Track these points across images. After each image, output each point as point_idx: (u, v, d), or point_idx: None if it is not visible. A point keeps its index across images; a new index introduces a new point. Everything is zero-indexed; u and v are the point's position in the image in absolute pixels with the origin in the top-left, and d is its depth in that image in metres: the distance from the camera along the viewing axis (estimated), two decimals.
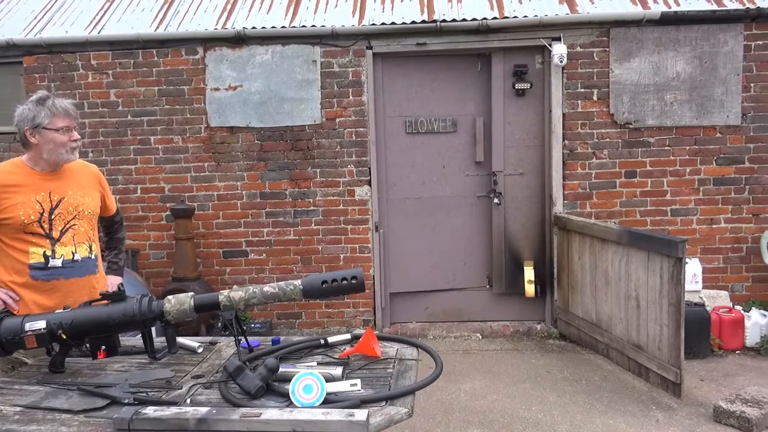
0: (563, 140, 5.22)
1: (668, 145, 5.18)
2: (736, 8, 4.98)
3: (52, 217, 2.51)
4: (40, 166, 2.51)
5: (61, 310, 2.15)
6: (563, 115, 5.20)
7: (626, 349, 4.42)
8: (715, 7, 5.02)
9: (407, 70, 5.36)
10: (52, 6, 5.77)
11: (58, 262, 2.50)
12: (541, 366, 4.63)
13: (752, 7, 4.97)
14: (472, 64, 5.36)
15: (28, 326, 2.07)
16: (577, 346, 5.00)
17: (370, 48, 5.24)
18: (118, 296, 2.16)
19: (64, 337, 2.10)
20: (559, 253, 5.24)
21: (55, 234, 2.51)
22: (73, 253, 2.54)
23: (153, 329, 2.25)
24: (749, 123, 5.10)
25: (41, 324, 2.07)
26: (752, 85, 5.07)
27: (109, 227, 2.90)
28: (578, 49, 5.14)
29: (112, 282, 2.72)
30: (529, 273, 5.35)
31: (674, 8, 5.04)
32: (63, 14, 5.65)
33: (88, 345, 2.17)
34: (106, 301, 2.17)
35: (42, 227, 2.48)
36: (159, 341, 2.29)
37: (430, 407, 3.88)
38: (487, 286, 5.55)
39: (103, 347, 2.16)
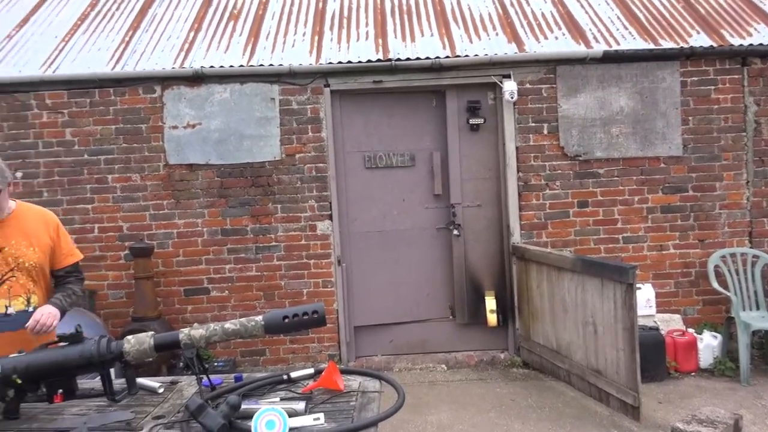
0: (518, 172, 5.39)
1: (617, 176, 5.41)
2: (671, 47, 5.30)
3: None
4: None
5: (16, 354, 2.11)
6: (516, 148, 5.38)
7: (586, 375, 4.52)
8: (652, 45, 5.34)
9: (365, 106, 5.49)
10: (4, 45, 5.71)
11: None
12: (505, 395, 4.68)
13: (686, 46, 5.30)
14: (428, 101, 5.52)
15: None
16: (540, 374, 5.08)
17: (328, 86, 5.35)
18: (75, 338, 2.14)
19: (19, 381, 2.05)
20: (518, 282, 5.36)
21: None
22: (6, 307, 2.45)
23: (112, 371, 2.22)
24: (690, 153, 5.39)
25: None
26: (690, 118, 5.38)
27: (62, 278, 2.68)
28: (527, 85, 5.36)
29: (42, 308, 2.46)
30: (490, 302, 5.44)
31: (615, 47, 5.33)
32: (16, 53, 5.60)
33: (44, 389, 2.12)
34: (62, 344, 2.14)
35: None
36: (119, 383, 2.26)
37: None
38: (451, 317, 5.61)
39: (60, 391, 2.12)
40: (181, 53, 5.51)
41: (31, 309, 2.50)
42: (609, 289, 4.23)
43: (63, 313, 2.51)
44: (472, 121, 5.42)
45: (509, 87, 5.18)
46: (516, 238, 5.39)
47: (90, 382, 2.40)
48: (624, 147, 5.37)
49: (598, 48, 5.32)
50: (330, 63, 5.29)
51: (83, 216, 5.34)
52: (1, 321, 2.43)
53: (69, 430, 1.95)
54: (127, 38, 5.75)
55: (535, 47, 5.39)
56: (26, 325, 2.33)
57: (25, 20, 6.10)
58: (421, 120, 5.52)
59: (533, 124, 5.39)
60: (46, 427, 2.02)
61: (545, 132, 5.39)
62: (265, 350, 5.43)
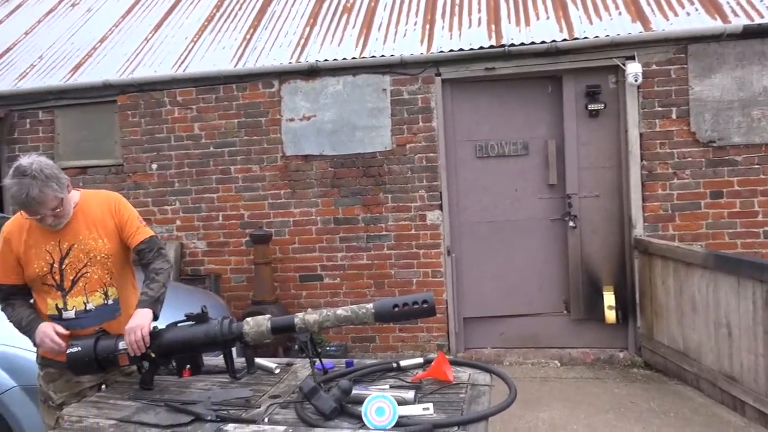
0: (641, 161, 5.04)
1: (757, 164, 4.89)
2: None
3: (63, 267, 2.38)
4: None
5: (150, 330, 2.28)
6: (640, 134, 5.03)
7: (718, 381, 4.15)
8: None
9: (476, 94, 5.38)
10: (142, 48, 6.23)
11: (71, 314, 2.38)
12: (624, 396, 4.42)
13: None
14: (542, 87, 5.30)
15: (121, 345, 2.22)
16: (664, 376, 4.74)
17: (439, 74, 5.30)
18: (201, 318, 2.28)
19: (153, 355, 2.23)
20: (640, 277, 5.02)
21: (66, 285, 2.38)
22: (84, 303, 2.40)
23: (233, 350, 2.35)
24: None
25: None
26: None
27: (141, 258, 2.52)
28: (654, 66, 4.98)
29: (134, 317, 2.29)
30: (609, 298, 5.15)
31: (757, 20, 4.80)
32: (152, 55, 6.09)
33: (174, 364, 2.29)
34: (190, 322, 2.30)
35: (53, 279, 2.38)
36: (239, 362, 2.39)
37: None
38: (565, 312, 5.38)
39: (188, 366, 2.28)
40: (297, 48, 5.71)
41: (110, 302, 2.45)
42: (747, 288, 3.84)
43: (156, 302, 2.38)
44: (591, 106, 5.13)
45: (633, 69, 4.84)
46: (638, 230, 5.05)
47: (213, 360, 2.56)
48: (767, 132, 4.84)
49: (738, 22, 4.82)
50: (441, 51, 5.24)
51: (209, 204, 5.72)
52: (83, 318, 2.40)
53: (195, 403, 2.09)
54: (248, 36, 6.06)
55: (663, 25, 4.99)
56: (117, 341, 2.26)
57: (160, 24, 6.61)
58: (536, 107, 5.32)
59: (660, 109, 5.00)
60: (175, 398, 2.17)
61: (673, 116, 4.99)
62: (375, 337, 5.53)
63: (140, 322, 2.24)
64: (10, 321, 2.42)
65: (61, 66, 6.21)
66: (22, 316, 2.40)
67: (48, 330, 2.31)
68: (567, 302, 5.37)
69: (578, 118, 5.19)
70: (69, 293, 2.38)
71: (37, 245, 2.37)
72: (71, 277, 2.38)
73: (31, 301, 2.48)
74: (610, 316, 5.13)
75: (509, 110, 5.34)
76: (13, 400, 2.92)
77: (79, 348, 2.22)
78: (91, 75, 5.94)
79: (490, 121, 5.37)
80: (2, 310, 2.44)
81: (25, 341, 3.00)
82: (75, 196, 2.45)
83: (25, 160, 2.24)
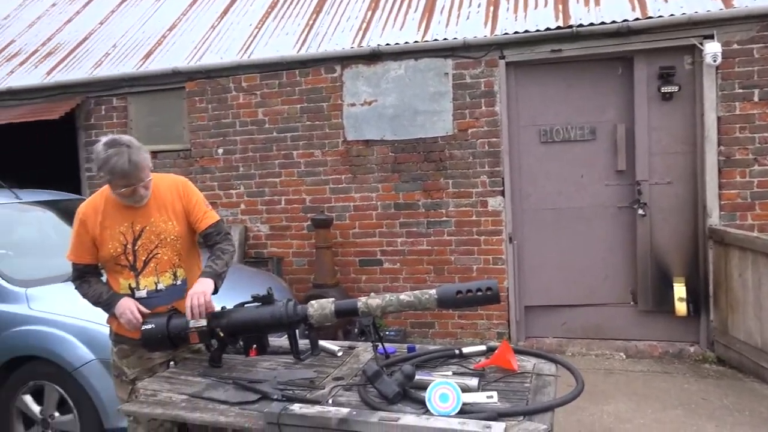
0: (718, 146, 4.77)
1: None
2: None
3: (136, 248, 2.46)
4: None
5: (219, 310, 2.36)
6: (718, 118, 4.76)
7: None
8: None
9: (541, 78, 5.23)
10: (209, 35, 6.38)
11: (143, 294, 2.46)
12: (695, 392, 4.24)
13: None
14: (612, 69, 5.09)
15: (192, 323, 2.30)
16: (739, 373, 4.51)
17: (503, 57, 5.18)
18: (267, 299, 2.33)
19: (221, 334, 2.30)
20: (715, 269, 4.78)
21: (139, 265, 2.46)
22: (156, 284, 2.48)
23: (297, 332, 2.40)
24: None
25: (203, 322, 2.29)
26: None
27: (207, 241, 2.60)
28: (735, 46, 4.69)
29: (197, 284, 2.38)
30: (679, 290, 4.93)
31: None
32: (218, 42, 6.23)
33: (241, 343, 2.36)
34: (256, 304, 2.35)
35: (127, 259, 2.45)
36: (302, 343, 2.43)
37: (570, 428, 3.71)
38: (632, 303, 5.20)
39: (254, 346, 2.33)
40: (359, 33, 5.70)
41: (179, 282, 2.51)
42: None
43: (218, 276, 2.44)
44: (665, 89, 4.89)
45: (712, 49, 4.56)
46: (714, 219, 4.80)
47: (277, 341, 2.62)
48: None
49: None
50: (506, 33, 5.11)
51: (272, 189, 5.83)
52: (154, 297, 2.47)
53: (261, 382, 2.14)
54: (310, 22, 6.10)
55: (746, 1, 4.68)
56: (187, 320, 2.31)
57: (225, 11, 6.75)
58: (604, 90, 5.11)
59: (740, 91, 4.71)
60: (243, 377, 2.24)
61: (756, 99, 4.69)
62: (434, 323, 5.52)
63: (203, 289, 2.32)
64: (86, 296, 2.52)
65: (134, 54, 6.45)
66: (101, 291, 2.49)
67: (130, 304, 2.40)
68: (634, 293, 5.18)
69: (650, 101, 4.96)
70: (141, 273, 2.46)
71: (111, 227, 2.45)
72: (143, 258, 2.46)
73: (104, 279, 2.58)
74: (681, 308, 4.92)
75: (576, 94, 5.16)
76: (92, 372, 3.09)
77: (153, 325, 2.32)
78: (161, 62, 6.15)
79: (555, 105, 5.21)
80: (78, 287, 2.54)
81: (103, 317, 3.17)
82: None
83: (111, 136, 2.36)
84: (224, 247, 2.55)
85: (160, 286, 2.48)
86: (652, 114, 4.97)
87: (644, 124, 4.98)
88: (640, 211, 5.03)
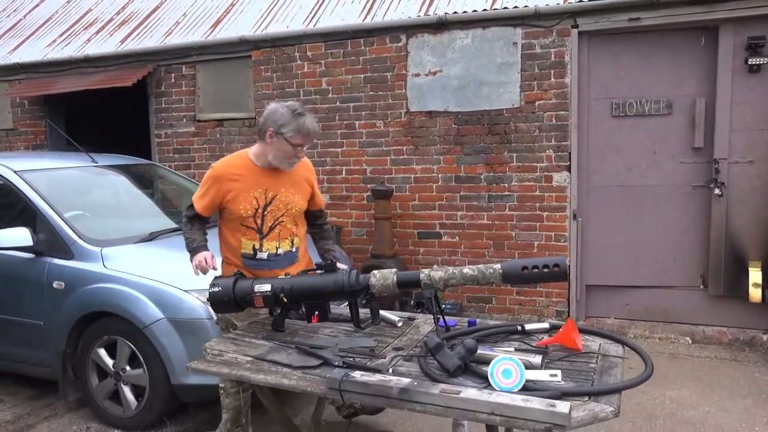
0: None
1: None
2: None
3: (265, 213, 2.69)
4: (262, 162, 2.70)
5: (283, 277, 2.40)
6: None
7: None
8: None
9: (615, 48, 4.98)
10: (275, 4, 6.40)
11: (264, 255, 2.70)
12: (767, 382, 4.04)
13: None
14: (694, 39, 4.79)
15: (257, 288, 2.35)
16: None
17: (576, 26, 4.96)
18: (330, 267, 2.36)
19: (285, 300, 2.35)
20: None
21: (265, 229, 2.70)
22: (276, 248, 2.72)
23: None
24: None
25: (267, 287, 2.34)
26: None
27: (316, 219, 2.99)
28: None
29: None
30: (755, 275, 4.67)
31: None
32: (284, 11, 6.24)
33: (303, 309, 2.40)
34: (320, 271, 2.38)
35: (255, 222, 2.68)
36: (363, 312, 2.45)
37: (629, 410, 3.61)
38: (701, 287, 4.97)
39: (316, 313, 2.37)
40: (425, 1, 5.58)
41: (294, 250, 2.78)
42: None
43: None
44: (752, 60, 4.56)
45: None
46: None
47: (338, 309, 2.65)
48: None
49: None
50: (580, 1, 4.87)
51: (333, 159, 5.86)
52: (273, 260, 2.71)
53: (323, 348, 2.18)
54: None
55: None
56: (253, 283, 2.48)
57: None
58: (684, 62, 4.83)
59: None
60: (304, 342, 2.28)
61: None
62: (491, 298, 5.46)
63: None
64: (184, 234, 2.75)
65: (203, 23, 6.56)
66: (196, 237, 2.72)
67: (208, 255, 2.64)
68: (704, 276, 4.95)
69: (735, 73, 4.65)
70: (266, 237, 2.70)
71: (246, 190, 2.67)
72: (270, 224, 2.70)
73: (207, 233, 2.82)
74: (755, 294, 4.67)
75: (653, 65, 4.90)
76: (161, 330, 3.23)
77: (220, 288, 2.39)
78: (229, 31, 6.23)
79: (629, 77, 4.96)
80: (184, 224, 2.78)
81: (171, 277, 3.30)
82: None
83: (290, 101, 2.73)
84: (328, 230, 3.05)
85: (280, 251, 2.73)
86: (737, 88, 4.66)
87: (727, 99, 4.68)
88: (717, 191, 4.77)
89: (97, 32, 7.16)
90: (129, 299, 3.30)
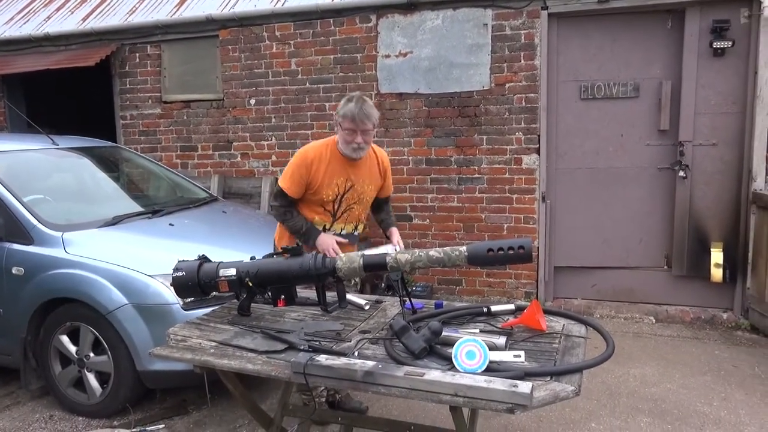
0: None
1: None
2: None
3: (342, 199, 2.93)
4: (342, 150, 2.88)
5: (248, 260, 2.37)
6: None
7: None
8: None
9: (585, 30, 5.00)
10: None
11: (330, 234, 2.95)
12: (726, 359, 4.16)
13: None
14: (661, 22, 4.83)
15: (221, 272, 2.31)
16: None
17: (546, 8, 4.96)
18: (296, 251, 2.33)
19: (251, 284, 2.31)
20: (756, 235, 4.62)
21: (339, 213, 2.97)
22: (342, 229, 3.00)
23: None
24: None
25: (232, 271, 2.31)
26: None
27: (381, 204, 3.23)
28: None
29: (394, 234, 3.11)
30: (716, 256, 4.80)
31: None
32: None
33: (270, 293, 2.37)
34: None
35: (333, 206, 2.94)
36: (330, 296, 2.44)
37: (593, 388, 3.69)
38: (665, 267, 5.08)
39: (283, 297, 2.35)
40: None
41: (356, 233, 3.08)
42: None
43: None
44: (717, 44, 4.63)
45: None
46: (759, 184, 4.61)
47: (305, 292, 2.63)
48: None
49: None
50: None
51: (304, 141, 5.78)
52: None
53: (289, 332, 2.16)
54: None
55: None
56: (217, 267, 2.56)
57: None
58: (651, 45, 4.87)
59: None
60: (270, 326, 2.26)
61: None
62: (461, 280, 5.51)
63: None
64: (286, 223, 2.94)
65: (168, 1, 6.38)
66: (301, 223, 2.92)
67: (330, 240, 2.88)
68: (668, 257, 5.06)
69: (700, 57, 4.71)
70: (336, 219, 2.98)
71: (331, 176, 2.87)
72: (342, 209, 2.96)
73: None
74: (717, 274, 4.80)
75: (621, 48, 4.94)
76: (125, 315, 3.17)
77: (184, 273, 2.34)
78: (195, 9, 6.07)
79: (598, 59, 4.99)
80: (281, 214, 2.95)
81: (136, 262, 3.24)
82: None
83: (356, 92, 2.95)
84: (388, 209, 3.27)
85: (343, 232, 3.00)
86: (702, 71, 4.73)
87: (692, 82, 4.75)
88: (681, 173, 4.86)
89: (58, 9, 6.92)
90: (92, 285, 3.23)
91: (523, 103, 5.09)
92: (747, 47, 4.61)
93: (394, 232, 3.12)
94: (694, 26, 4.69)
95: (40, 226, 3.47)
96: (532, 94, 5.06)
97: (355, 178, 2.94)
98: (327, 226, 2.97)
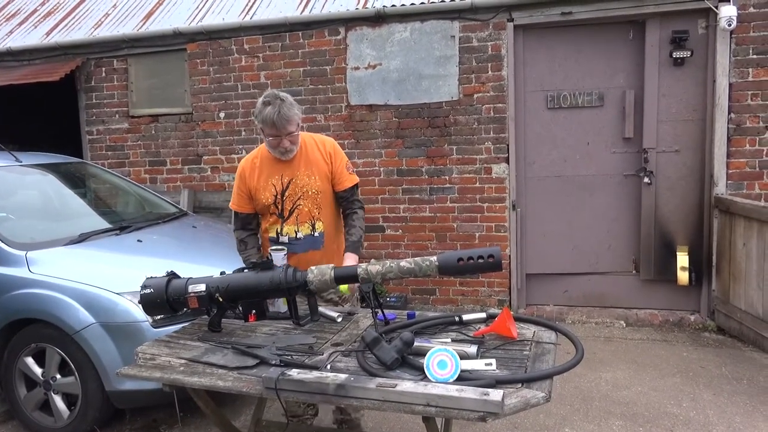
0: (729, 113, 4.68)
1: None
2: None
3: (284, 198, 2.76)
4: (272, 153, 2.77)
5: (219, 275, 2.34)
6: (730, 85, 4.65)
7: None
8: None
9: (550, 42, 5.10)
10: None
11: (284, 239, 2.77)
12: (694, 360, 4.25)
13: None
14: (623, 33, 4.96)
15: (191, 288, 2.28)
16: (738, 342, 4.52)
17: (511, 20, 5.05)
18: (266, 265, 2.31)
19: (221, 299, 2.29)
20: (719, 238, 4.75)
21: (285, 214, 2.77)
22: (296, 232, 2.77)
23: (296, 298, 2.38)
24: None
25: (202, 287, 2.28)
26: None
27: (340, 202, 2.86)
28: (751, 9, 4.55)
29: (345, 261, 2.71)
30: (682, 259, 4.91)
31: None
32: (220, 2, 6.09)
33: (240, 308, 2.35)
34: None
35: (276, 208, 2.77)
36: (302, 309, 2.42)
37: (567, 393, 3.74)
38: (634, 272, 5.18)
39: (254, 311, 2.33)
40: None
41: (316, 234, 2.78)
42: None
43: (358, 245, 2.78)
44: (677, 54, 4.77)
45: (727, 12, 4.43)
46: (720, 188, 4.74)
47: (276, 306, 2.61)
48: None
49: None
50: None
51: None
52: (294, 244, 2.75)
53: (260, 347, 2.14)
54: None
55: None
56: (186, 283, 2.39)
57: None
58: (614, 55, 5.00)
59: (754, 57, 4.59)
60: (242, 341, 2.23)
61: None
62: (435, 290, 5.53)
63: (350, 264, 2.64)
64: (243, 256, 2.84)
65: (134, 14, 6.33)
66: (250, 255, 2.82)
67: None
68: (636, 262, 5.16)
69: (661, 66, 4.85)
70: (286, 221, 2.77)
71: (267, 178, 2.76)
72: (288, 208, 2.76)
73: (258, 237, 2.91)
74: (683, 277, 4.91)
75: (585, 58, 5.05)
76: (93, 335, 3.10)
77: (152, 290, 2.30)
78: (162, 23, 6.03)
79: (563, 70, 5.10)
80: (238, 245, 2.87)
81: (103, 280, 3.18)
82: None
83: (271, 91, 2.69)
84: (355, 215, 2.83)
85: (299, 235, 2.77)
86: (663, 80, 4.87)
87: (654, 91, 4.88)
88: (646, 180, 4.97)
89: (21, 24, 6.80)
90: (57, 304, 3.16)
91: (492, 113, 5.16)
92: (705, 57, 4.76)
93: (347, 258, 2.73)
94: (655, 37, 4.82)
95: (2, 245, 3.39)
96: (500, 105, 5.14)
97: (291, 172, 2.75)
98: (279, 230, 2.77)
